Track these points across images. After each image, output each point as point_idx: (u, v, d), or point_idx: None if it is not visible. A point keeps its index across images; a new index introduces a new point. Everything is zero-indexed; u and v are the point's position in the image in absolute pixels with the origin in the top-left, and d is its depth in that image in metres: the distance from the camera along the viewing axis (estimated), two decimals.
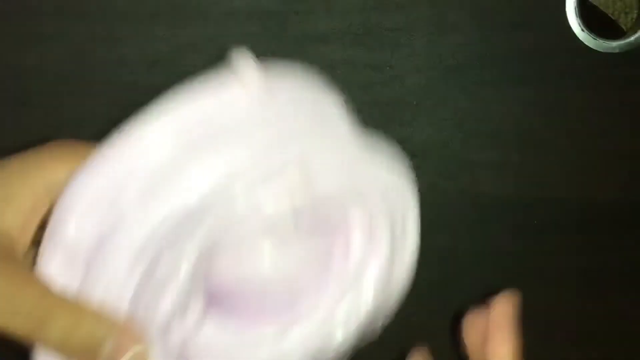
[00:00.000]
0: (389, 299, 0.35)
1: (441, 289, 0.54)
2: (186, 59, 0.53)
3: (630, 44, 0.52)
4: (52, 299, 0.30)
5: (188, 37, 0.53)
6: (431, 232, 0.54)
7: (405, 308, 0.54)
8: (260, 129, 0.31)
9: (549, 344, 0.54)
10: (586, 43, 0.52)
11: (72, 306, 0.30)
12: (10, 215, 0.31)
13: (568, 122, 0.53)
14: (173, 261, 0.28)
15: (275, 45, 0.53)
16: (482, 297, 0.54)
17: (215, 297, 0.31)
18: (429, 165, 0.53)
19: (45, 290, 0.30)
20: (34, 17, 0.53)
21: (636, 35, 0.52)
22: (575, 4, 0.52)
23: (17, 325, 0.29)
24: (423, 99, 0.53)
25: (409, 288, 0.54)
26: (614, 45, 0.53)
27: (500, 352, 0.40)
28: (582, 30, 0.52)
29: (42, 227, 0.32)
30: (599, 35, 0.52)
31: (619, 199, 0.53)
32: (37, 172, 0.33)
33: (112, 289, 0.29)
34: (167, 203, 0.29)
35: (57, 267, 0.30)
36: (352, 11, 0.53)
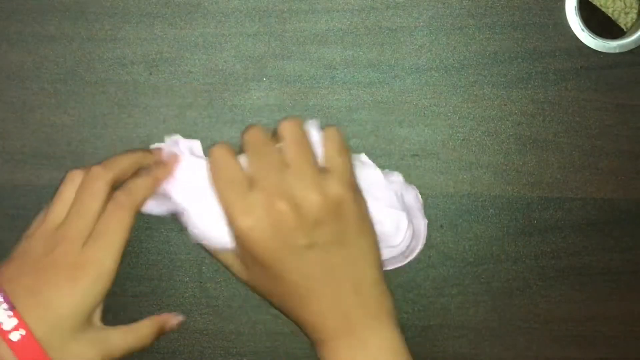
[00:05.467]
0: None
1: (442, 288, 0.54)
2: (186, 59, 0.53)
3: (630, 43, 0.52)
4: None
5: (188, 37, 0.53)
6: (431, 231, 0.54)
7: (405, 307, 0.54)
8: None
9: (549, 344, 0.54)
10: (586, 43, 0.53)
11: None
12: None
13: (568, 122, 0.53)
14: None
15: (275, 45, 0.53)
16: (482, 297, 0.54)
17: None
18: (429, 165, 0.53)
19: None
20: (34, 17, 0.53)
21: (636, 35, 0.52)
22: (575, 4, 0.52)
23: None
24: (423, 99, 0.53)
25: (410, 287, 0.54)
26: (614, 45, 0.53)
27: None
28: (582, 30, 0.52)
29: None
30: (599, 35, 0.52)
31: (619, 198, 0.53)
32: None
33: None
34: None
35: None
36: (352, 11, 0.53)
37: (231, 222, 0.46)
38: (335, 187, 0.45)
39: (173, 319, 0.52)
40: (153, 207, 0.49)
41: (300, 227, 0.44)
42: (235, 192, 0.45)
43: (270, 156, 0.46)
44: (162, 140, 0.53)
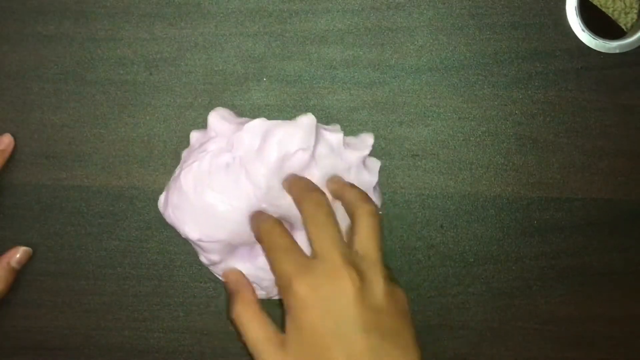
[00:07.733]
0: None
1: (442, 288, 0.54)
2: (186, 59, 0.53)
3: (630, 44, 0.52)
4: None
5: (188, 37, 0.53)
6: (431, 231, 0.54)
7: None
8: None
9: (549, 344, 0.54)
10: (586, 43, 0.53)
11: None
12: None
13: (568, 122, 0.53)
14: None
15: (276, 45, 0.53)
16: (482, 297, 0.54)
17: None
18: (429, 165, 0.53)
19: None
20: (34, 17, 0.53)
21: (636, 35, 0.52)
22: (576, 4, 0.52)
23: None
24: (423, 99, 0.53)
25: (410, 287, 0.54)
26: (614, 45, 0.53)
27: None
28: (582, 30, 0.52)
29: None
30: (599, 35, 0.52)
31: (619, 198, 0.53)
32: None
33: None
34: None
35: None
36: (352, 11, 0.53)
37: (286, 288, 0.43)
38: (400, 289, 0.45)
39: (15, 252, 0.53)
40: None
41: (362, 305, 0.42)
42: (294, 260, 0.43)
43: (335, 233, 0.44)
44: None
